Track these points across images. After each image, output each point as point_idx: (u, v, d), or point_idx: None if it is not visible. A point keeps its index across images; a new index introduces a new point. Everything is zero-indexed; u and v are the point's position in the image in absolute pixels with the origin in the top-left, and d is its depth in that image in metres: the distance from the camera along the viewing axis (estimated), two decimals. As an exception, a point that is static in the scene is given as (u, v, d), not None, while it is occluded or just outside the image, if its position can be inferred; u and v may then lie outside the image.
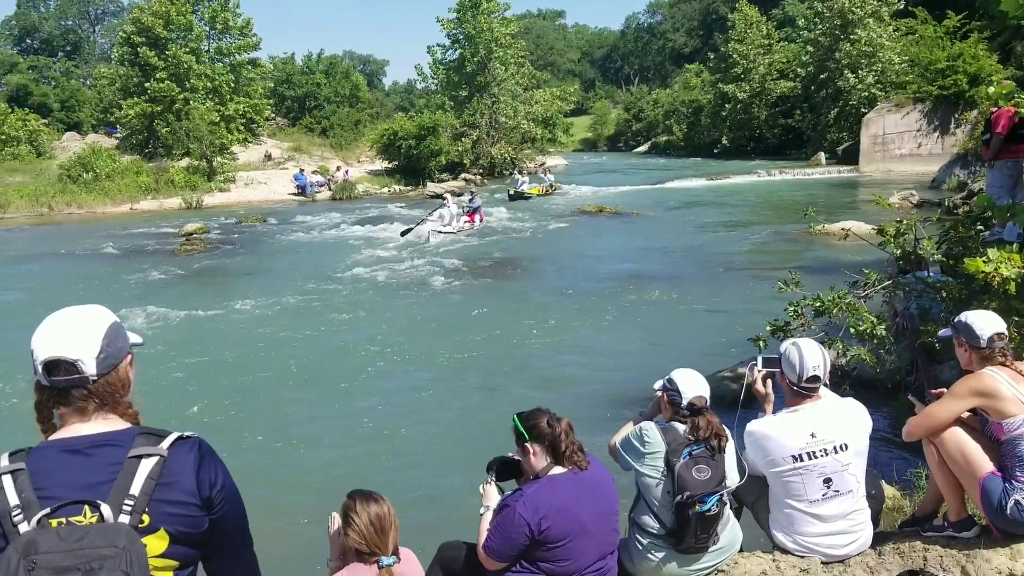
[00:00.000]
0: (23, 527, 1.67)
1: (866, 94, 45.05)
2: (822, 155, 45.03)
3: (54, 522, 1.67)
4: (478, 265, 17.88)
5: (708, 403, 3.80)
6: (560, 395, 8.99)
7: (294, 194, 36.72)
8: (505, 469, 3.83)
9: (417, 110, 53.15)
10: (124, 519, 1.70)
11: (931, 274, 7.72)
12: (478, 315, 13.37)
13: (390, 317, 13.39)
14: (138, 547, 1.66)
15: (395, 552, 3.19)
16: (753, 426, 3.95)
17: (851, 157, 40.20)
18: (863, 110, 42.59)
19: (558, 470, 3.54)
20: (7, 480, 1.72)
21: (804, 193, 30.17)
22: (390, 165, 42.07)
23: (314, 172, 39.25)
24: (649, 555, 3.75)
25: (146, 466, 1.76)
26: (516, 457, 3.76)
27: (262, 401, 9.36)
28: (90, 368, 1.80)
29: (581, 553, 3.50)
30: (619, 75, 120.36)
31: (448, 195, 25.03)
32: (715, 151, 57.70)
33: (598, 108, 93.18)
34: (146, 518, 1.73)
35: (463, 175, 41.92)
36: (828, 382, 3.95)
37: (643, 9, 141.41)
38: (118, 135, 45.92)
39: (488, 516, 3.64)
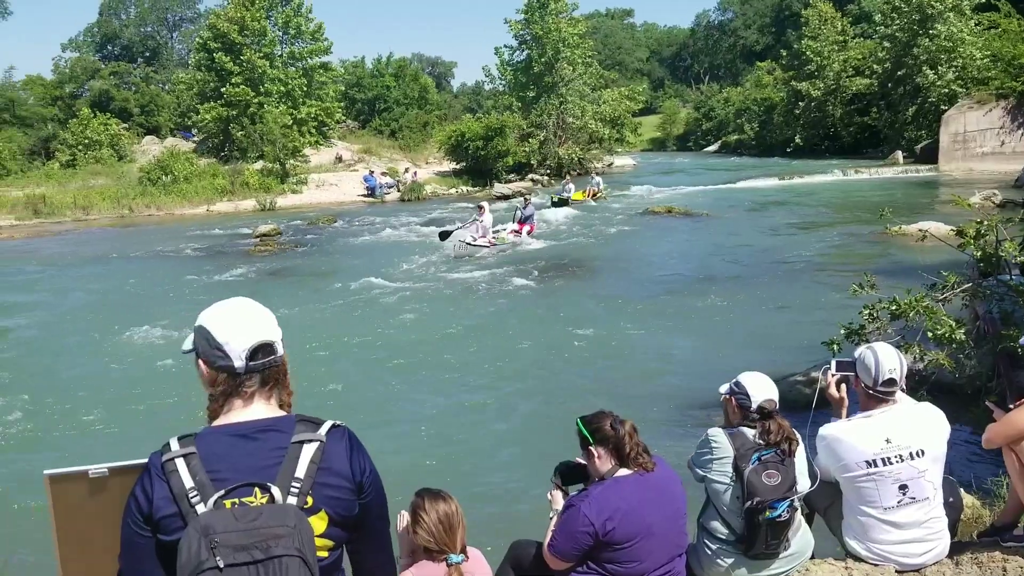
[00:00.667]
0: (200, 508, 1.74)
1: (946, 91, 43.73)
2: (899, 154, 43.83)
3: (228, 503, 1.75)
4: (545, 265, 17.87)
5: (777, 406, 3.74)
6: (625, 398, 8.93)
7: (364, 196, 37.22)
8: (571, 473, 3.81)
9: (485, 111, 53.44)
10: (292, 500, 1.78)
11: (1014, 277, 7.45)
12: (544, 315, 13.38)
13: (456, 317, 13.48)
14: (306, 526, 1.74)
15: (463, 550, 3.22)
16: (826, 430, 3.88)
17: (930, 156, 39.08)
18: (943, 107, 41.39)
19: (623, 472, 3.53)
20: (181, 463, 1.79)
21: (880, 193, 29.41)
22: (457, 166, 42.35)
23: (383, 174, 39.71)
24: (718, 560, 3.71)
25: (308, 451, 1.85)
26: (581, 461, 3.75)
27: (327, 399, 9.50)
28: (280, 348, 1.95)
29: (648, 555, 3.47)
30: (688, 73, 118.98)
31: (485, 204, 22.48)
32: (788, 150, 56.64)
33: (667, 107, 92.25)
34: (310, 500, 1.81)
35: (530, 176, 41.95)
36: (904, 386, 3.86)
37: (714, 6, 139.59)
38: (193, 139, 47.25)
39: (552, 516, 3.65)
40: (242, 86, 42.65)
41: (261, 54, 44.04)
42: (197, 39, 49.11)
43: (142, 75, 70.02)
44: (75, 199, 33.23)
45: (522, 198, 22.75)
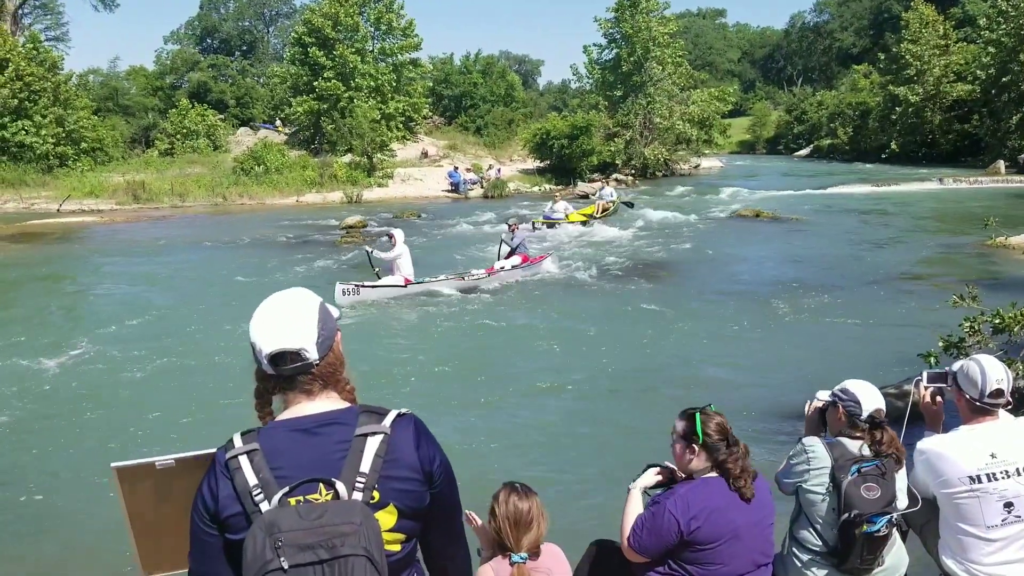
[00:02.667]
0: (264, 506, 1.70)
1: (1054, 99, 41.76)
2: (1001, 163, 42.00)
3: (292, 500, 1.71)
4: (626, 267, 17.71)
5: (885, 416, 3.60)
6: (704, 403, 8.74)
7: (448, 191, 37.56)
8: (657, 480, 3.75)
9: (570, 110, 53.28)
10: (357, 496, 1.73)
11: None
12: (624, 317, 13.25)
13: (535, 313, 13.48)
14: (373, 523, 1.69)
15: (535, 549, 3.16)
16: (925, 444, 3.71)
17: (1034, 166, 37.35)
18: (1050, 116, 39.51)
19: (714, 474, 3.46)
20: (244, 460, 1.76)
21: (980, 203, 28.22)
22: (541, 164, 42.38)
23: (468, 170, 40.03)
24: (808, 572, 3.59)
25: (372, 444, 1.79)
26: (669, 466, 3.69)
27: (411, 389, 9.59)
28: (312, 354, 1.84)
29: (731, 559, 3.39)
30: (781, 76, 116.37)
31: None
32: (883, 156, 54.79)
33: (758, 109, 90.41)
34: (376, 494, 1.76)
35: (614, 176, 41.69)
36: (1011, 400, 3.67)
37: (809, 7, 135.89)
38: (273, 129, 48.43)
39: (630, 509, 3.58)
40: (334, 80, 43.53)
41: (353, 49, 44.88)
42: (292, 34, 50.39)
43: (239, 68, 72.21)
44: (172, 186, 34.52)
45: (507, 225, 18.12)
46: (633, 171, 43.60)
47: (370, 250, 14.88)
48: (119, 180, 35.19)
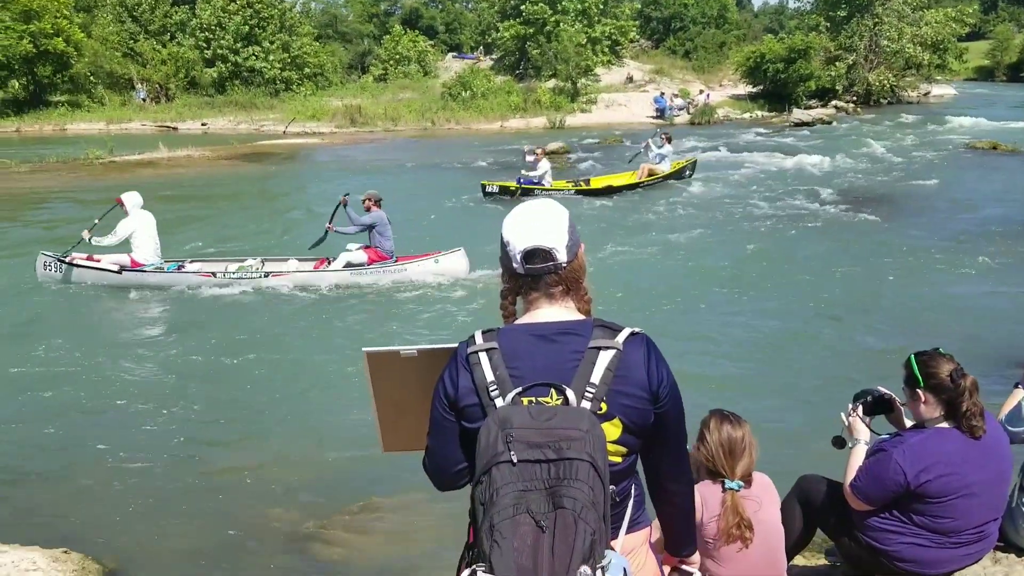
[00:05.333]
0: (498, 401, 1.81)
1: None
2: None
3: (525, 400, 1.79)
4: (849, 198, 16.65)
5: None
6: (930, 344, 8.13)
7: (653, 117, 36.76)
8: (876, 404, 3.50)
9: (787, 32, 50.33)
10: (586, 405, 1.78)
11: None
12: (844, 249, 12.62)
13: (754, 241, 13.11)
14: (599, 432, 1.72)
15: (746, 479, 3.12)
16: None
17: None
18: None
19: (947, 424, 3.17)
20: (483, 357, 1.87)
21: None
22: (754, 90, 40.52)
23: (675, 95, 38.93)
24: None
25: (605, 357, 1.83)
26: (889, 394, 3.45)
27: (625, 308, 9.53)
28: (562, 255, 1.91)
29: (962, 514, 3.16)
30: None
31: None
32: None
33: (999, 32, 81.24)
34: (604, 406, 1.81)
35: (833, 103, 39.13)
36: None
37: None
38: (470, 59, 48.84)
39: (858, 451, 3.40)
40: (540, 4, 43.26)
41: (561, -29, 44.31)
42: (501, -44, 50.32)
43: (449, -7, 73.26)
44: (385, 111, 36.03)
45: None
46: (855, 98, 40.71)
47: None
48: (338, 104, 37.13)
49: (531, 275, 1.93)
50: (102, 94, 38.91)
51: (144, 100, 39.32)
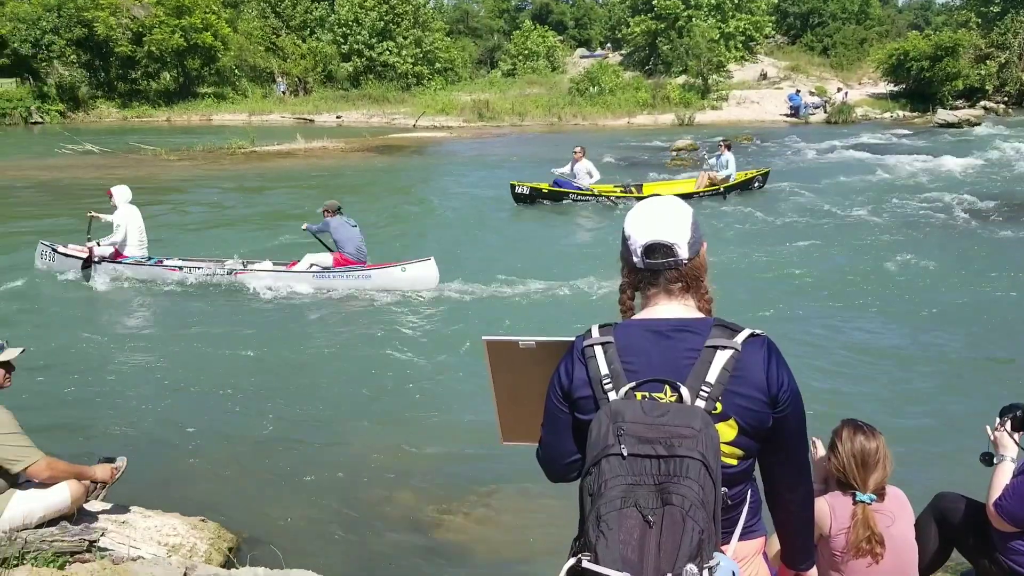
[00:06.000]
0: (611, 395, 1.81)
1: None
2: None
3: (638, 395, 1.79)
4: (994, 208, 15.68)
5: None
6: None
7: (786, 115, 35.79)
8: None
9: (934, 28, 47.87)
10: (700, 404, 1.77)
11: None
12: (988, 256, 11.88)
13: (886, 247, 12.49)
14: (712, 432, 1.70)
15: (879, 492, 3.01)
16: None
17: None
18: None
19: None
20: (599, 350, 1.88)
21: None
22: (895, 88, 38.81)
23: (810, 93, 37.72)
24: None
25: (722, 357, 1.82)
26: None
27: (744, 309, 9.28)
28: (683, 252, 1.90)
29: None
30: None
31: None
32: None
33: None
34: (719, 406, 1.79)
35: (982, 103, 37.01)
36: None
37: None
38: (599, 56, 48.43)
39: (1004, 468, 3.22)
40: (673, -1, 42.72)
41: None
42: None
43: (580, -11, 73.08)
44: (513, 106, 36.38)
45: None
46: (1006, 98, 38.38)
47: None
48: (466, 99, 37.73)
49: (650, 270, 1.93)
50: (245, 87, 40.84)
51: (284, 93, 41.03)
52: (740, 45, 44.61)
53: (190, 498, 5.21)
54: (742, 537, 1.91)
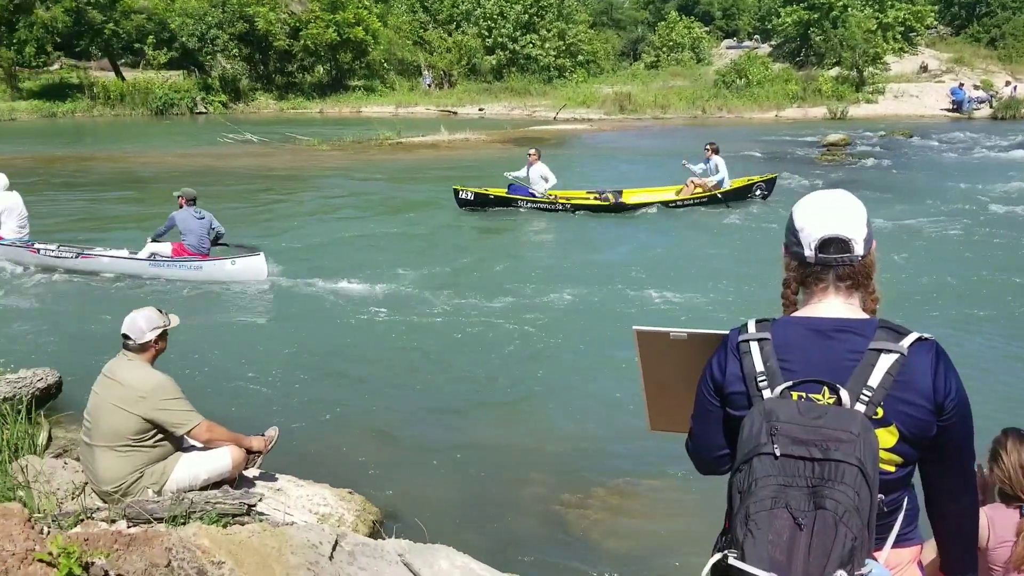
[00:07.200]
0: (766, 393, 1.78)
1: None
2: None
3: (794, 395, 1.76)
4: None
5: None
6: None
7: (947, 110, 33.85)
8: None
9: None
10: (860, 407, 1.72)
11: None
12: None
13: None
14: (871, 437, 1.67)
15: None
16: None
17: None
18: None
19: None
20: (755, 346, 1.85)
21: None
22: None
23: (975, 87, 35.48)
24: None
25: (886, 361, 1.75)
26: None
27: (909, 312, 8.84)
28: (859, 248, 1.86)
29: None
30: None
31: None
32: None
33: None
34: (880, 411, 1.74)
35: None
36: None
37: None
38: (747, 47, 46.93)
39: None
40: (830, -13, 41.10)
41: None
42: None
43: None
44: (655, 98, 35.95)
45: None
46: None
47: None
48: (608, 91, 37.53)
49: (822, 264, 1.87)
50: (393, 80, 42.04)
51: (430, 86, 41.99)
52: (899, 36, 42.39)
53: (340, 472, 5.44)
54: (896, 544, 1.84)
